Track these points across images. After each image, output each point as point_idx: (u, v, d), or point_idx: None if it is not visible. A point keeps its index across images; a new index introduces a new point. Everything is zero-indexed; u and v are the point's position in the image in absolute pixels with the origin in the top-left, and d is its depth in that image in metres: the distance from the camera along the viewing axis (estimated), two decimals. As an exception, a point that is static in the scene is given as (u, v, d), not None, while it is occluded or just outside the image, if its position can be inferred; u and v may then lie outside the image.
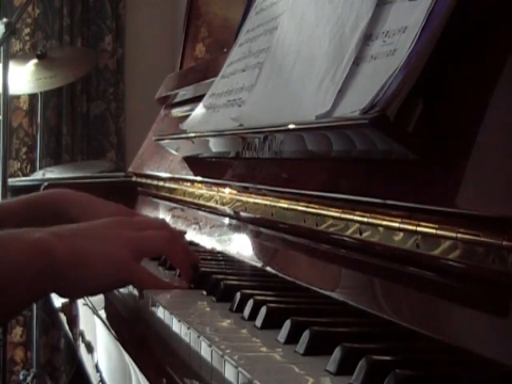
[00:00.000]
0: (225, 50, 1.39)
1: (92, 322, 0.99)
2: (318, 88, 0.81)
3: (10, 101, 2.46)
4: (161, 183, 1.45)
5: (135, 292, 0.90)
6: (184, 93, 1.58)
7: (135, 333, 0.85)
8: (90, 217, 0.93)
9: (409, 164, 0.66)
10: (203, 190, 1.20)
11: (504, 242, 0.53)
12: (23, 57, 2.85)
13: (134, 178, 1.69)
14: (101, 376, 0.87)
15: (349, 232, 0.73)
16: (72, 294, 0.90)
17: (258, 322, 0.68)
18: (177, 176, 1.36)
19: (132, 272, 0.81)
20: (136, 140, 2.19)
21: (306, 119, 0.79)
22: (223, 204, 1.10)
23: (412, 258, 0.64)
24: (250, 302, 0.72)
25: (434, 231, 0.60)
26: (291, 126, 0.81)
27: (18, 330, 3.00)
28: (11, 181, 2.27)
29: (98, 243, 0.79)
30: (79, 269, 0.76)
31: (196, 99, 1.35)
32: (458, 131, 0.63)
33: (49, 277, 0.75)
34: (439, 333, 0.59)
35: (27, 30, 3.06)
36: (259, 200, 0.96)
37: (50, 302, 1.43)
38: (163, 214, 1.43)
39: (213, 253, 1.09)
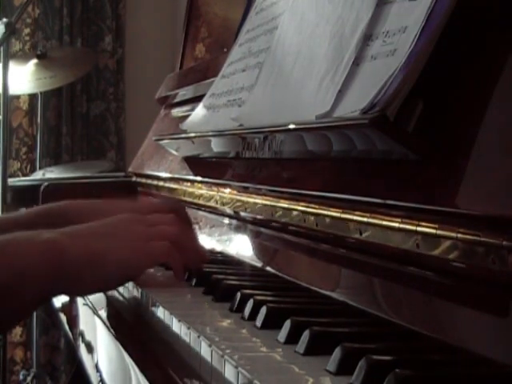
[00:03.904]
0: (225, 49, 1.39)
1: (92, 322, 0.99)
2: (317, 88, 0.81)
3: (10, 101, 2.46)
4: (161, 183, 1.45)
5: (135, 293, 0.90)
6: (184, 93, 1.57)
7: (135, 333, 0.85)
8: None
9: (409, 164, 0.66)
10: (203, 190, 1.20)
11: (504, 242, 0.53)
12: (23, 57, 2.85)
13: (133, 178, 1.69)
14: (101, 376, 0.87)
15: (349, 232, 0.73)
16: (83, 293, 0.90)
17: (258, 322, 0.68)
18: (177, 176, 1.36)
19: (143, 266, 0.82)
20: (136, 140, 2.19)
21: (306, 119, 0.79)
22: (223, 204, 1.10)
23: (412, 258, 0.63)
24: (250, 302, 0.72)
25: (434, 231, 0.60)
26: (291, 126, 0.81)
27: (18, 330, 3.00)
28: (11, 181, 2.27)
29: (108, 241, 0.79)
30: (91, 268, 0.76)
31: (196, 99, 1.35)
32: (457, 131, 0.63)
33: (60, 277, 0.74)
34: (439, 333, 0.59)
35: (27, 30, 3.06)
36: (259, 200, 0.96)
37: (49, 302, 1.42)
38: (163, 214, 1.43)
39: (213, 253, 1.09)
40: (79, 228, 0.81)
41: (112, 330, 0.88)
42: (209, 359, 0.61)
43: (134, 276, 0.84)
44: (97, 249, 0.77)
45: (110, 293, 1.01)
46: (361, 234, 0.71)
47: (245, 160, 1.03)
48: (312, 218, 0.81)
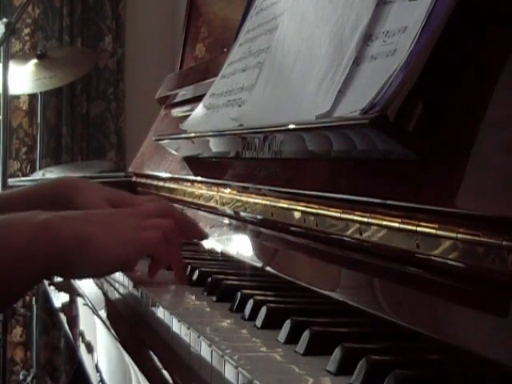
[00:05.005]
0: (225, 50, 1.39)
1: (92, 322, 0.99)
2: (317, 88, 0.81)
3: (10, 101, 2.46)
4: (161, 183, 1.45)
5: (135, 292, 0.90)
6: (184, 93, 1.58)
7: (135, 333, 0.85)
8: (91, 207, 0.93)
9: (409, 164, 0.66)
10: (203, 190, 1.20)
11: (504, 242, 0.53)
12: (23, 57, 2.85)
13: (133, 178, 1.69)
14: (101, 376, 0.87)
15: (349, 232, 0.73)
16: (75, 276, 0.91)
17: (258, 321, 0.68)
18: (177, 176, 1.36)
19: (134, 256, 0.82)
20: (136, 140, 2.19)
21: (306, 119, 0.79)
22: (223, 204, 1.10)
23: (412, 258, 0.64)
24: (250, 302, 0.72)
25: (433, 231, 0.60)
26: (291, 126, 0.81)
27: (18, 330, 3.00)
28: (11, 181, 2.27)
29: (100, 228, 0.80)
30: (79, 252, 0.77)
31: (196, 99, 1.35)
32: (458, 131, 0.63)
33: (54, 258, 0.75)
34: (439, 333, 0.59)
35: (27, 30, 3.06)
36: (259, 200, 0.96)
37: (49, 302, 1.43)
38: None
39: (213, 253, 1.09)
40: (74, 213, 0.82)
41: (112, 330, 0.88)
42: (209, 359, 0.61)
43: (123, 264, 0.83)
44: (84, 233, 0.77)
45: (109, 293, 1.01)
46: (361, 234, 0.71)
47: (245, 160, 1.03)
48: (312, 217, 0.81)
